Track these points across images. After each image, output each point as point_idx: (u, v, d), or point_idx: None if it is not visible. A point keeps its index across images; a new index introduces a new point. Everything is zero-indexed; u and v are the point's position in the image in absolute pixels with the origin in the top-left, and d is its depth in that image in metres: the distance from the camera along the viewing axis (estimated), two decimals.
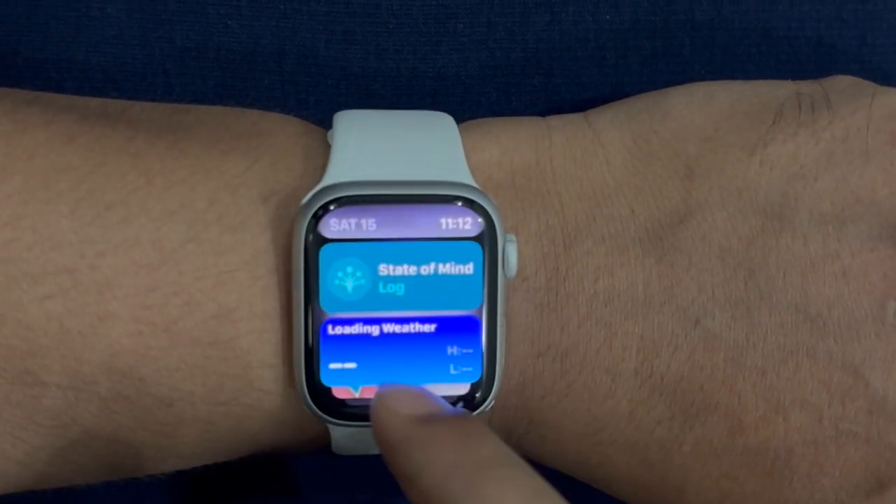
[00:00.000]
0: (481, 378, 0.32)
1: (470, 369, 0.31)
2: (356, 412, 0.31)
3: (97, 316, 0.30)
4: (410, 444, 0.27)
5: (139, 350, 0.30)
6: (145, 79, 0.37)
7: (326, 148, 0.32)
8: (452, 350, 0.31)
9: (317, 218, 0.30)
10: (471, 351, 0.31)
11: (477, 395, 0.32)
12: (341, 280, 0.31)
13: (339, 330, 0.31)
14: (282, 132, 0.33)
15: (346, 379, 0.31)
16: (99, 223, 0.30)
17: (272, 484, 0.39)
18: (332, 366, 0.31)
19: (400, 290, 0.31)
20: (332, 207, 0.30)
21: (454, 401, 0.32)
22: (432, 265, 0.31)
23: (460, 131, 0.33)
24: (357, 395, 0.31)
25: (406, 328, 0.31)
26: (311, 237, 0.30)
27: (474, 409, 0.32)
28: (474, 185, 0.31)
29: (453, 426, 0.27)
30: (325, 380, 0.31)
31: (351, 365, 0.31)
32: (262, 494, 0.39)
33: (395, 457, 0.27)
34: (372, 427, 0.28)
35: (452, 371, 0.31)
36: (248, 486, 0.38)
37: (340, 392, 0.31)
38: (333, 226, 0.30)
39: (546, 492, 0.26)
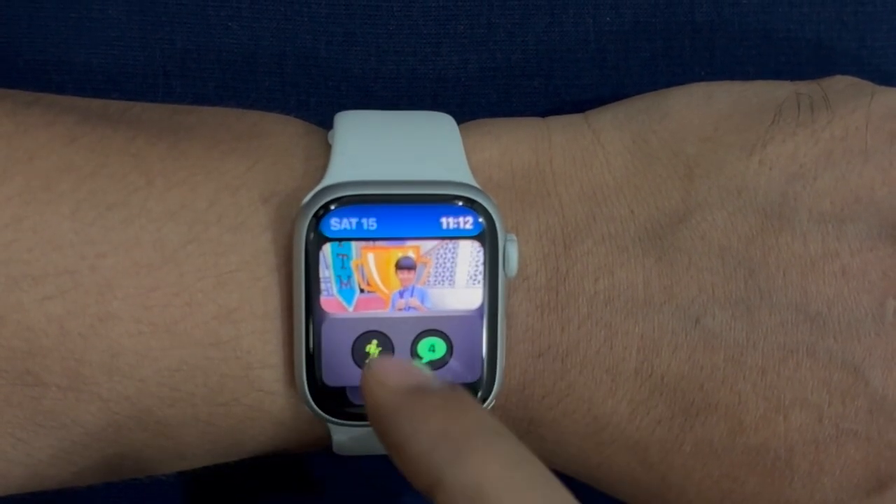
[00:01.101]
0: (481, 378, 0.32)
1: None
2: (358, 412, 0.31)
3: (98, 317, 0.30)
4: (399, 414, 0.27)
5: (140, 351, 0.30)
6: (146, 80, 0.37)
7: (327, 148, 0.32)
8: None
9: (318, 218, 0.30)
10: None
11: (477, 395, 0.32)
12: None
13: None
14: (282, 133, 0.33)
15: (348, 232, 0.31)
16: (100, 224, 0.30)
17: (272, 485, 0.39)
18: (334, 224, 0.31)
19: None
20: (332, 207, 0.30)
21: None
22: None
23: (460, 131, 0.33)
24: (351, 310, 0.31)
25: None
26: (312, 237, 0.30)
27: None
28: (475, 184, 0.31)
29: (440, 397, 0.28)
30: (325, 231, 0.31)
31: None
32: (262, 496, 0.39)
33: (385, 426, 0.28)
34: (363, 397, 0.29)
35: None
36: (248, 487, 0.38)
37: (330, 304, 0.31)
38: (334, 225, 0.30)
39: (527, 459, 0.27)
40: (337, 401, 0.31)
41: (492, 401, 0.32)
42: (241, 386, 0.31)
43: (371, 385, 0.28)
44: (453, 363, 0.31)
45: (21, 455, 0.31)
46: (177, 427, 0.31)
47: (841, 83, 0.34)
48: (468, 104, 0.38)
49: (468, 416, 0.27)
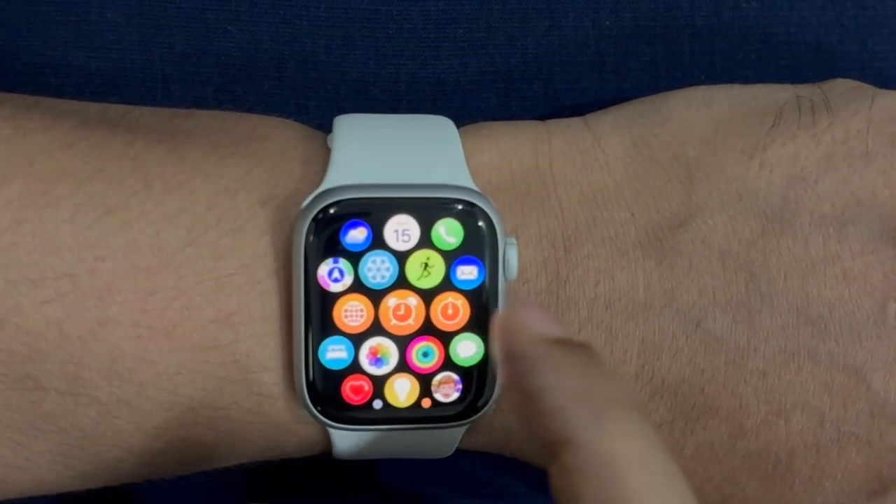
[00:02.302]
0: (483, 382, 0.32)
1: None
2: (357, 416, 0.31)
3: (96, 320, 0.30)
4: (541, 362, 0.27)
5: (139, 354, 0.30)
6: (145, 84, 0.37)
7: (326, 152, 0.32)
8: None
9: (316, 221, 0.30)
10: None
11: (479, 399, 0.32)
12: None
13: None
14: (281, 136, 0.33)
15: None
16: (98, 228, 0.30)
17: (272, 490, 0.38)
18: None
19: None
20: (332, 211, 0.30)
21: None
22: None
23: (460, 135, 0.33)
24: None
25: None
26: (311, 240, 0.30)
27: (476, 412, 0.32)
28: (474, 187, 0.31)
29: (583, 355, 0.27)
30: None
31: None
32: (261, 500, 0.38)
33: (523, 371, 0.27)
34: (498, 336, 0.28)
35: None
36: (247, 491, 0.38)
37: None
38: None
39: (661, 443, 0.26)
40: (336, 404, 0.31)
41: (493, 404, 0.32)
42: (239, 389, 0.31)
43: (513, 325, 0.27)
44: None
45: (20, 459, 0.31)
46: (176, 431, 0.31)
47: (841, 86, 0.34)
48: (468, 108, 0.38)
49: (611, 383, 0.27)
